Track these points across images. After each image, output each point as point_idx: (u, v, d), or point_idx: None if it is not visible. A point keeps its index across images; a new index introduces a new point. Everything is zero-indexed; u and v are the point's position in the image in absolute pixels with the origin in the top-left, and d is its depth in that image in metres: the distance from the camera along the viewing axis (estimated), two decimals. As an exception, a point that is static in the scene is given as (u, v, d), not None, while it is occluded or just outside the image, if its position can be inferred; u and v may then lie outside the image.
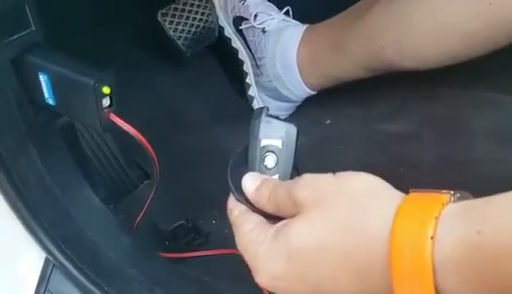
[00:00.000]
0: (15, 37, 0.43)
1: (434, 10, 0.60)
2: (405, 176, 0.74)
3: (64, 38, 0.51)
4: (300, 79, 0.80)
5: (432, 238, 0.29)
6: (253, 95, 0.85)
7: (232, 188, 0.39)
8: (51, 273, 0.47)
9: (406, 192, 0.32)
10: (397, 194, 0.32)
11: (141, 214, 0.53)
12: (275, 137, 0.38)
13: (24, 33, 0.43)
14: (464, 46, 0.61)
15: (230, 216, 0.39)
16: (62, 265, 0.47)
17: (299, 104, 0.85)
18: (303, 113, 0.86)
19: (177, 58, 0.87)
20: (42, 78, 0.43)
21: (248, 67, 0.84)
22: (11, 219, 0.48)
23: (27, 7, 0.43)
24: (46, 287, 0.46)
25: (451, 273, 0.28)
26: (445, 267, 0.28)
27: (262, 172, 0.38)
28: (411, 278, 0.29)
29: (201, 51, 0.89)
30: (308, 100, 0.84)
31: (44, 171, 0.50)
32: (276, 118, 0.39)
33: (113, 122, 0.42)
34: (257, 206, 0.37)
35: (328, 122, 0.84)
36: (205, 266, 0.62)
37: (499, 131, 0.70)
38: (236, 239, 0.38)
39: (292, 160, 0.38)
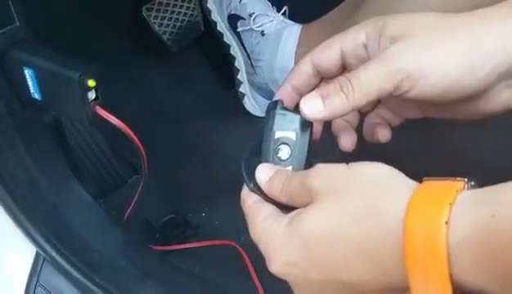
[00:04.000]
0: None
1: (422, 3, 0.61)
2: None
3: (49, 33, 0.52)
4: None
5: (446, 222, 0.28)
6: (244, 92, 0.85)
7: (246, 178, 0.39)
8: (41, 267, 0.47)
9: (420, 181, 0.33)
10: (410, 183, 0.32)
11: (130, 208, 0.53)
12: (289, 129, 0.38)
13: (8, 28, 0.44)
14: None
15: (243, 206, 0.39)
16: (53, 258, 0.47)
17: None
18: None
19: (164, 52, 0.87)
20: (28, 73, 0.43)
21: (240, 64, 0.84)
22: (1, 214, 0.48)
23: (10, 3, 0.43)
24: (37, 281, 0.47)
25: (465, 259, 0.28)
26: (459, 252, 0.28)
27: (275, 164, 0.39)
28: (426, 264, 0.29)
29: (187, 45, 0.89)
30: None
31: (32, 166, 0.50)
32: (291, 110, 0.40)
33: (99, 115, 0.42)
34: (270, 196, 0.38)
35: None
36: (196, 257, 0.63)
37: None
38: (250, 229, 0.38)
39: (306, 152, 0.39)
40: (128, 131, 0.43)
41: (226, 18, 0.84)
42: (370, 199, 0.32)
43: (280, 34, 0.79)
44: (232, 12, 0.83)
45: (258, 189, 0.38)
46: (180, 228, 0.69)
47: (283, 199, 0.37)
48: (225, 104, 0.88)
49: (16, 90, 0.45)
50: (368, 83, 0.36)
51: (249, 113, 0.86)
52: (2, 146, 0.47)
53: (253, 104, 0.86)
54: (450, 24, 0.37)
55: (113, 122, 0.42)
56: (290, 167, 0.39)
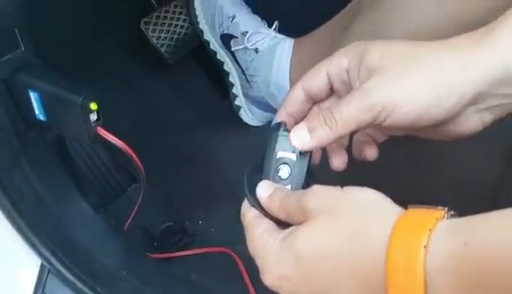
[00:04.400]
0: (6, 58, 0.46)
1: (408, 21, 0.63)
2: (374, 175, 0.78)
3: (51, 48, 0.54)
4: None
5: (425, 247, 0.30)
6: (239, 104, 0.87)
7: (247, 194, 0.41)
8: (47, 278, 0.49)
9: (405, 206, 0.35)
10: (397, 209, 0.35)
11: (130, 220, 0.56)
12: (290, 151, 0.41)
13: (14, 53, 0.46)
14: None
15: (242, 220, 0.42)
16: (57, 270, 0.50)
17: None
18: None
19: (161, 64, 0.90)
20: (33, 96, 0.46)
21: (234, 78, 0.86)
22: (8, 228, 0.51)
23: (16, 30, 0.46)
24: (43, 292, 0.49)
25: (441, 285, 0.30)
26: (436, 278, 0.30)
27: (275, 182, 0.41)
28: (405, 288, 0.31)
29: (184, 56, 0.92)
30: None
31: (37, 182, 0.52)
32: None
33: (100, 135, 0.45)
34: (269, 212, 0.40)
35: None
36: (192, 265, 0.65)
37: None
38: (248, 242, 0.40)
39: (304, 173, 0.42)
40: (127, 149, 0.46)
41: (218, 37, 0.86)
42: (360, 222, 0.35)
43: (273, 50, 0.81)
44: (225, 32, 0.85)
45: (257, 204, 0.41)
46: (177, 235, 0.72)
47: (281, 216, 0.39)
48: (221, 113, 0.90)
49: (22, 111, 0.48)
50: (349, 116, 0.39)
51: (245, 123, 0.88)
52: (8, 164, 0.50)
53: (250, 116, 0.88)
54: (420, 54, 0.40)
55: (113, 141, 0.45)
56: (289, 186, 0.41)
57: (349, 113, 0.39)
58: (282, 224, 0.40)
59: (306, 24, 0.83)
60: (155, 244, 0.69)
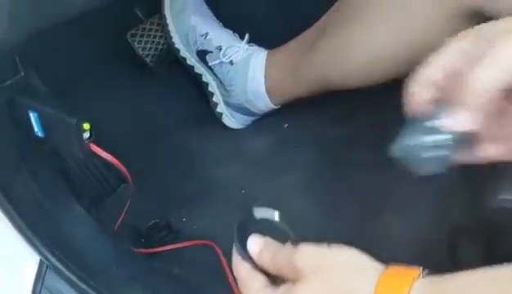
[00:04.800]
0: (8, 83, 0.52)
1: (367, 44, 0.70)
2: (348, 175, 0.85)
3: (42, 60, 0.60)
4: (269, 101, 0.89)
5: None
6: (221, 111, 0.93)
7: (239, 248, 0.44)
8: (45, 273, 0.56)
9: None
10: (379, 268, 0.39)
11: (119, 221, 0.63)
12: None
13: (14, 78, 0.53)
14: (394, 71, 0.70)
15: (236, 272, 0.45)
16: (54, 265, 0.57)
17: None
18: (264, 118, 0.95)
19: (147, 71, 0.96)
20: (32, 116, 0.53)
21: (213, 88, 0.91)
22: (10, 229, 0.58)
23: (16, 57, 0.52)
24: (42, 285, 0.56)
25: None
26: None
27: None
28: None
29: (169, 64, 0.98)
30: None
31: (35, 187, 0.59)
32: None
33: (92, 150, 0.52)
34: (260, 266, 0.43)
35: (286, 125, 0.95)
36: (175, 259, 0.72)
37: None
38: None
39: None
40: (117, 162, 0.53)
41: (195, 54, 0.91)
42: (348, 280, 0.39)
43: (247, 61, 0.87)
44: (200, 48, 0.90)
45: (249, 258, 0.44)
46: (163, 232, 0.79)
47: (271, 270, 0.43)
48: (205, 116, 0.95)
49: (22, 128, 0.54)
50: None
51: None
52: (10, 173, 0.56)
53: (231, 120, 0.94)
54: None
55: (104, 156, 0.52)
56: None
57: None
58: (272, 277, 0.43)
59: (278, 34, 0.89)
60: (143, 240, 0.76)
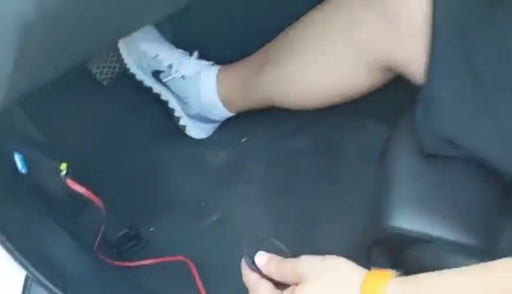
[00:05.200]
0: (-4, 129, 0.61)
1: (302, 81, 0.80)
2: (298, 188, 0.96)
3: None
4: (225, 110, 0.96)
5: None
6: (184, 124, 1.00)
7: (249, 261, 0.54)
8: (30, 286, 0.66)
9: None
10: (363, 271, 0.49)
11: (98, 239, 0.72)
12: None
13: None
14: (328, 100, 0.82)
15: (246, 280, 0.54)
16: (38, 279, 0.66)
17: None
18: (225, 131, 1.03)
19: (109, 90, 1.03)
20: (17, 157, 0.62)
21: (173, 104, 0.99)
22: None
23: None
24: (28, 295, 0.66)
25: None
26: None
27: None
28: None
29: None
30: (231, 119, 1.00)
31: (19, 211, 0.68)
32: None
33: (69, 185, 0.62)
34: (267, 275, 0.53)
35: (244, 139, 1.02)
36: (147, 272, 0.82)
37: (364, 151, 0.94)
38: None
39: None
40: (91, 195, 0.63)
41: (150, 75, 0.99)
42: (341, 280, 0.49)
43: (198, 76, 0.94)
44: (153, 69, 0.98)
45: (257, 269, 0.53)
46: (132, 241, 0.88)
47: (277, 278, 0.52)
48: (171, 131, 1.02)
49: (7, 166, 0.64)
50: None
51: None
52: (-1, 202, 0.66)
53: (196, 131, 1.01)
54: None
55: (79, 190, 0.62)
56: None
57: None
58: (276, 283, 0.53)
59: (228, 53, 0.95)
60: (114, 250, 0.85)
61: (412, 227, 0.57)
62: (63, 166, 0.60)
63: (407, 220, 0.57)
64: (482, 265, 0.45)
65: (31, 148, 0.62)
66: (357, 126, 0.98)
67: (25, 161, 0.62)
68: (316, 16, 0.78)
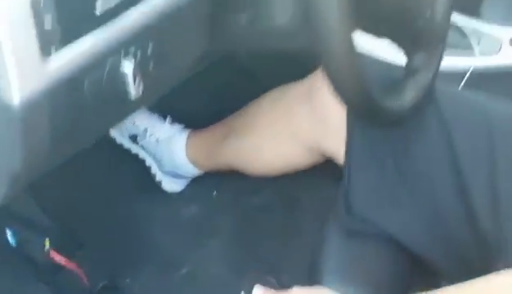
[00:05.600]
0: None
1: (260, 152, 0.91)
2: (259, 242, 1.05)
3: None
4: (195, 169, 1.06)
5: None
6: (159, 179, 1.09)
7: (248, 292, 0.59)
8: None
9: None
10: None
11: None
12: None
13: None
14: (285, 169, 0.93)
15: None
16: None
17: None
18: (196, 185, 1.12)
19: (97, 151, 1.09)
20: (9, 231, 0.73)
21: (150, 162, 1.09)
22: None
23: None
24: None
25: None
26: None
27: None
28: None
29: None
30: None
31: (9, 276, 0.79)
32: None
33: (53, 258, 0.73)
34: None
35: (215, 193, 1.12)
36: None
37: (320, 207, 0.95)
38: None
39: None
40: (74, 268, 0.73)
41: (128, 138, 1.10)
42: None
43: (170, 140, 1.04)
44: (131, 133, 1.09)
45: None
46: (112, 293, 0.97)
47: None
48: (150, 184, 1.09)
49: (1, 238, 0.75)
50: None
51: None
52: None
53: (171, 185, 1.10)
54: None
55: (62, 262, 0.73)
56: None
57: None
58: None
59: (200, 117, 1.05)
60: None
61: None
62: (47, 242, 0.71)
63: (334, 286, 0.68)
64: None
65: (20, 224, 0.72)
66: (316, 183, 1.04)
67: (16, 237, 0.73)
68: (264, 102, 0.90)
